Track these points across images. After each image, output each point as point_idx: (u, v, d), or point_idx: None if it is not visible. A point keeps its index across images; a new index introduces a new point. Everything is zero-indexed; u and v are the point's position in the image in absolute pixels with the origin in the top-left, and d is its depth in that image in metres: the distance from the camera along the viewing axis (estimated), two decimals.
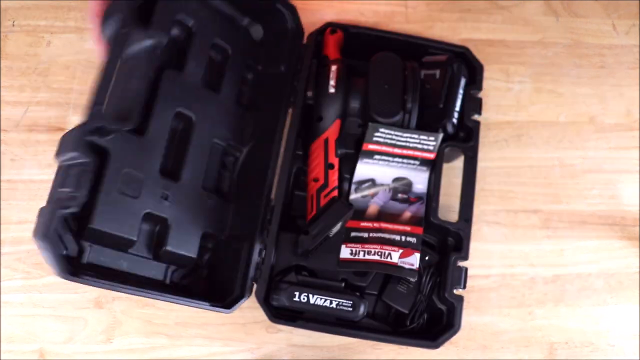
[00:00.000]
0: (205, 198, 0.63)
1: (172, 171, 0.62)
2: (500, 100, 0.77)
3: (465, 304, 0.63)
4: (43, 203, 0.68)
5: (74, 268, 0.51)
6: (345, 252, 0.65)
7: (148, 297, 0.56)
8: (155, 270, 0.60)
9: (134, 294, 0.55)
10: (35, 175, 0.70)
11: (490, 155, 0.75)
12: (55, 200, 0.52)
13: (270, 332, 0.66)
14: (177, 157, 0.62)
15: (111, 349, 0.65)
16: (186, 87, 0.63)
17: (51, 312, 0.65)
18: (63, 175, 0.52)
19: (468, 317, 0.67)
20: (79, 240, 0.54)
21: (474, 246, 0.65)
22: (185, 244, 0.61)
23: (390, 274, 0.65)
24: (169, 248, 0.59)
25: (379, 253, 0.64)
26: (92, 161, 0.53)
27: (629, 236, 0.73)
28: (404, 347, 0.66)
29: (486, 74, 0.78)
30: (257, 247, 0.62)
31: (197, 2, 0.66)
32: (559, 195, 0.74)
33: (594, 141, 0.77)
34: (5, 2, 0.76)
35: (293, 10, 0.70)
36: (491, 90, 0.78)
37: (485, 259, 0.71)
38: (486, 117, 0.76)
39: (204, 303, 0.59)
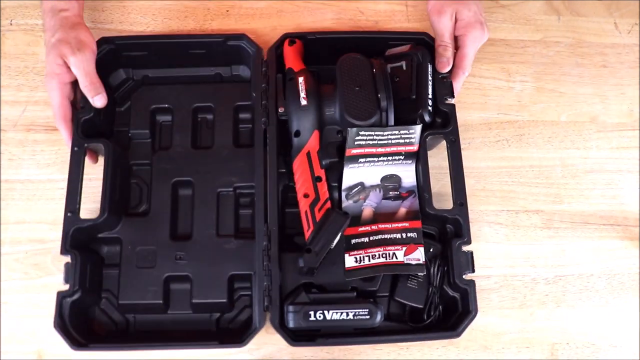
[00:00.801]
0: (222, 244, 0.66)
1: (182, 233, 0.67)
2: (502, 100, 0.77)
3: None
4: (41, 203, 0.68)
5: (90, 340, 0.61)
6: (350, 261, 0.64)
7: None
8: (199, 321, 0.65)
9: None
10: (34, 175, 0.69)
11: (491, 155, 0.74)
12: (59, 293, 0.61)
13: (269, 332, 0.66)
14: (185, 218, 0.68)
15: None
16: (176, 158, 0.69)
17: (49, 313, 0.65)
18: (66, 273, 0.61)
19: None
20: (123, 315, 0.65)
21: (475, 247, 0.65)
22: (212, 291, 0.65)
23: (398, 273, 0.64)
24: (197, 300, 0.64)
25: (384, 255, 0.64)
26: (77, 259, 0.61)
27: (630, 236, 0.73)
28: (404, 347, 0.66)
29: (487, 73, 0.78)
30: (261, 275, 0.62)
31: (165, 87, 0.71)
32: (561, 195, 0.74)
33: (596, 141, 0.76)
34: (4, 1, 0.76)
35: (244, 38, 0.70)
36: (492, 89, 0.77)
37: (486, 260, 0.70)
38: (487, 117, 0.76)
39: (213, 343, 0.62)
